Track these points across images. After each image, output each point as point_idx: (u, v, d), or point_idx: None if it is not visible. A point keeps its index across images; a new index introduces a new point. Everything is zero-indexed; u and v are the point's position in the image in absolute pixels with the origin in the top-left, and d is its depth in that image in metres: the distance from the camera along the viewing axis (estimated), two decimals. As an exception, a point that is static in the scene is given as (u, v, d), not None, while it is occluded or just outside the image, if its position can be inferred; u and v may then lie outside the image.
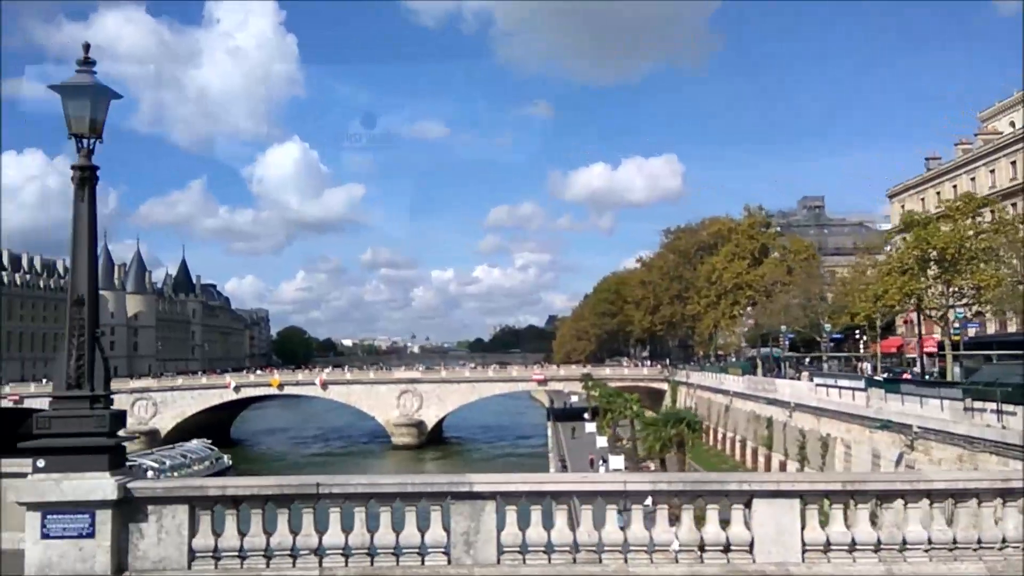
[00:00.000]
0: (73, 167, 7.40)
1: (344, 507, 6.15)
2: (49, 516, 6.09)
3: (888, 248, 46.07)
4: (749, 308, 55.99)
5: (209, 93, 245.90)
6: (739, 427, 48.85)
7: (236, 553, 6.13)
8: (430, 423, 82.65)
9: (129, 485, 6.28)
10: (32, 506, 6.16)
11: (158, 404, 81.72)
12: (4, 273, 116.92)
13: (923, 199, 60.64)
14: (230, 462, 72.01)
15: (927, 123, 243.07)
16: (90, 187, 7.39)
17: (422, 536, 6.10)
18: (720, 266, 55.68)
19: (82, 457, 6.78)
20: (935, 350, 55.26)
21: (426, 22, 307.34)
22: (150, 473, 60.78)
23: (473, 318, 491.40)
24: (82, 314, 7.33)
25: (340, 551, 6.07)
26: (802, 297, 46.86)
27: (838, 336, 61.65)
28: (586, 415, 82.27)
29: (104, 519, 6.04)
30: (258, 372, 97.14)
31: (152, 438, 79.35)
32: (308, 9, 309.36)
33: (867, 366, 54.32)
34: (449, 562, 6.03)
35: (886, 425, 26.68)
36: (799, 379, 44.04)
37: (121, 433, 7.49)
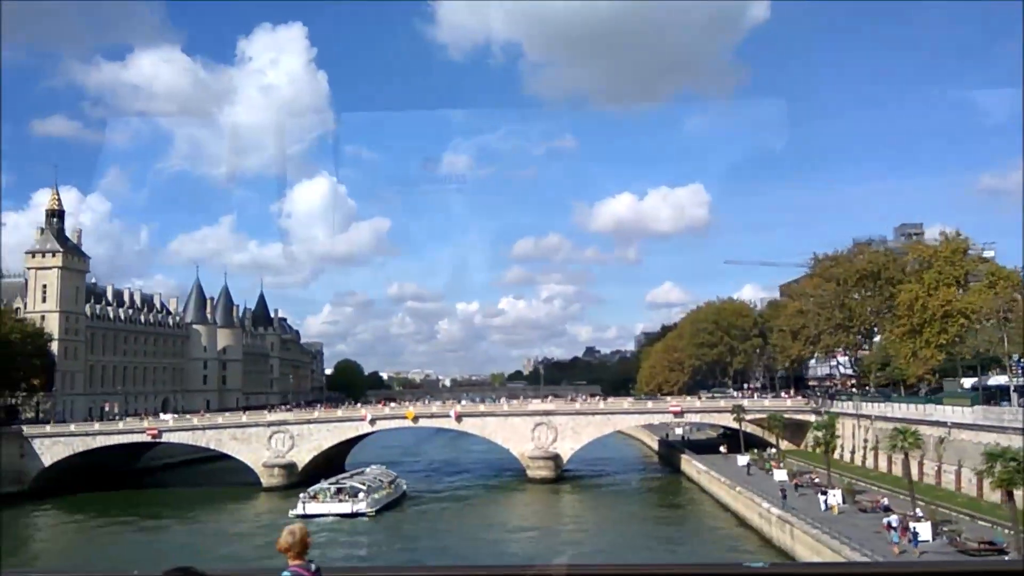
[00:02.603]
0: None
1: None
2: None
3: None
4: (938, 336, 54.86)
5: (241, 130, 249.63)
6: (966, 460, 47.73)
7: None
8: (565, 456, 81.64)
9: None
10: None
11: (295, 437, 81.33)
12: (109, 308, 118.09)
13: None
14: (406, 486, 72.04)
15: (964, 149, 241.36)
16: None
17: None
18: (923, 294, 54.87)
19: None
20: None
21: (455, 57, 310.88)
22: (360, 495, 61.25)
23: (498, 350, 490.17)
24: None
25: None
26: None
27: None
28: (722, 448, 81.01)
29: None
30: (393, 405, 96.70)
31: (289, 471, 79.18)
32: (339, 46, 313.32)
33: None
34: None
35: None
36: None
37: None
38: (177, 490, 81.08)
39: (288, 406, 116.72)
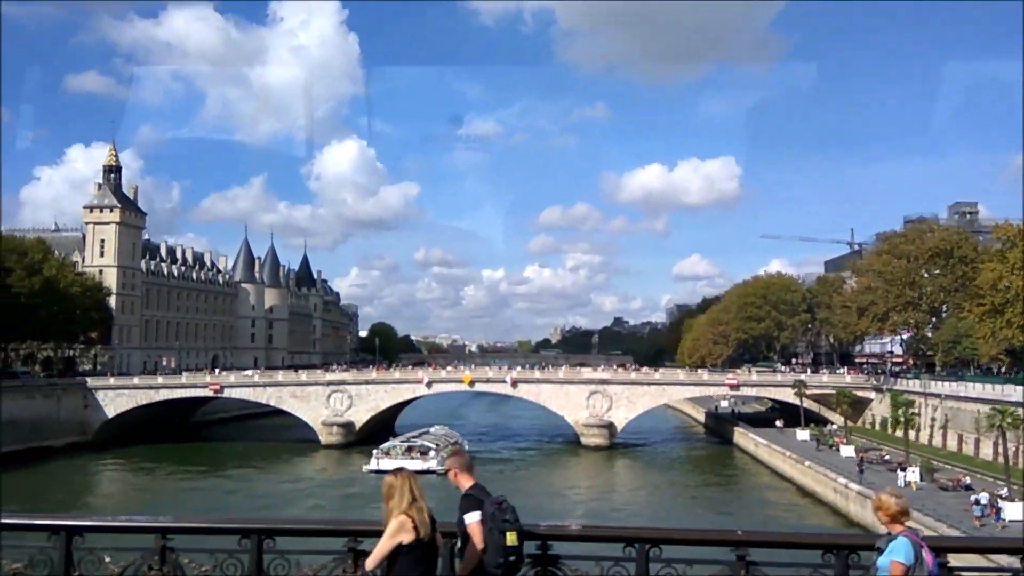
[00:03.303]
0: None
1: None
2: None
3: None
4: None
5: (272, 90, 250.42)
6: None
7: None
8: (620, 425, 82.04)
9: None
10: None
11: (353, 397, 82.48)
12: (163, 264, 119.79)
13: None
14: (468, 447, 73.28)
15: (1002, 128, 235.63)
16: None
17: None
18: (1007, 273, 54.08)
19: None
20: None
21: (486, 22, 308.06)
22: (431, 453, 62.65)
23: (523, 318, 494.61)
24: None
25: None
26: None
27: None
28: (778, 422, 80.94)
29: None
30: (449, 368, 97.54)
31: (347, 430, 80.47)
32: (370, 8, 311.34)
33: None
34: None
35: None
36: None
37: None
38: (238, 444, 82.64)
39: (343, 366, 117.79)
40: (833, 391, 76.64)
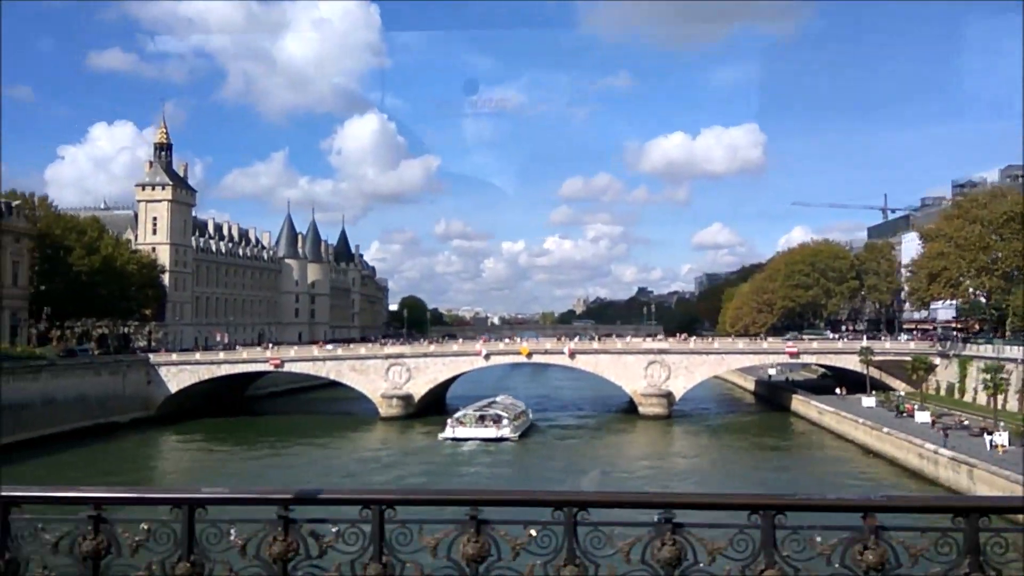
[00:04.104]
0: None
1: None
2: None
3: None
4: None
5: (293, 65, 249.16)
6: None
7: None
8: (678, 394, 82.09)
9: None
10: None
11: (411, 370, 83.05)
12: (212, 241, 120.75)
13: None
14: (532, 416, 73.92)
15: None
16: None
17: None
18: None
19: None
20: None
21: None
22: (504, 421, 63.56)
23: (542, 290, 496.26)
24: None
25: None
26: None
27: None
28: (839, 389, 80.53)
29: None
30: (507, 340, 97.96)
31: (407, 402, 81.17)
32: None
33: None
34: None
35: None
36: None
37: None
38: (298, 416, 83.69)
39: (394, 339, 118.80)
40: (907, 356, 76.03)
